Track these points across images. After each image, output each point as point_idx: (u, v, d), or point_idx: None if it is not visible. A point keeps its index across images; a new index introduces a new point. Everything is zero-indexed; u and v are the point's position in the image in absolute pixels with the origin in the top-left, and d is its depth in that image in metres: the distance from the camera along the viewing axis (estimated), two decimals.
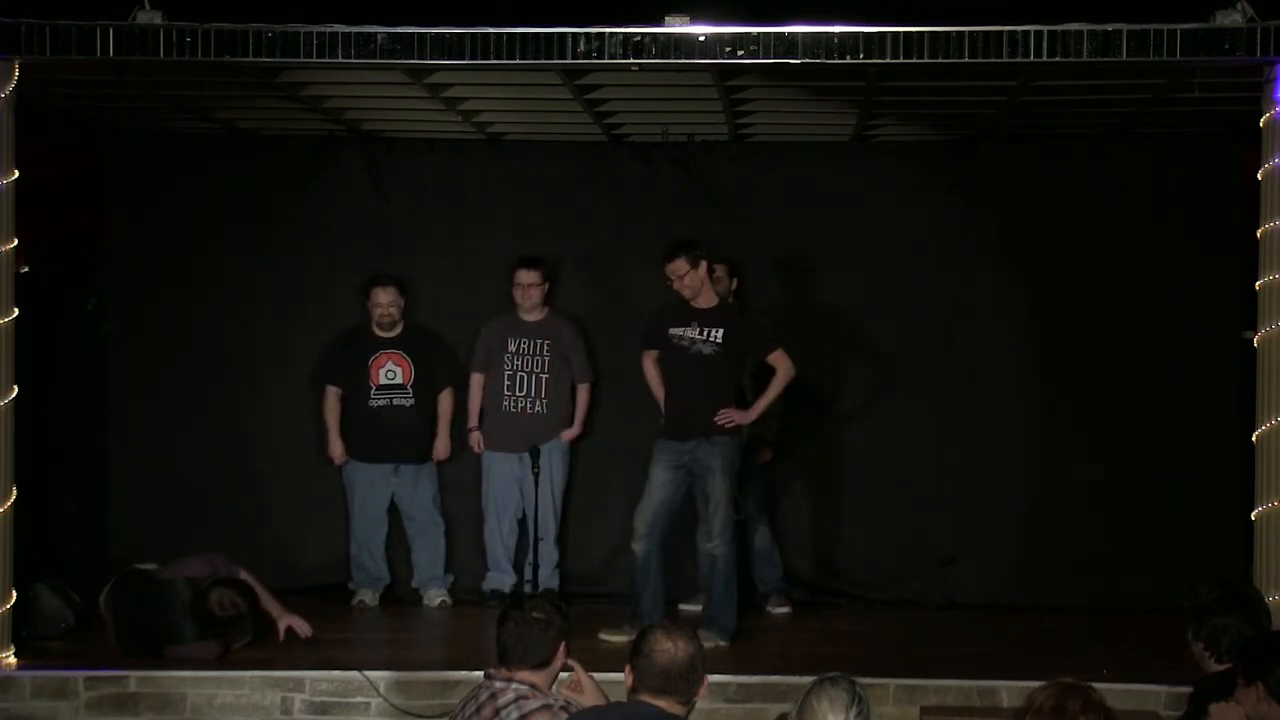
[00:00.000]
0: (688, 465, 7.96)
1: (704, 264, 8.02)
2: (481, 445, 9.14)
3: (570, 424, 9.09)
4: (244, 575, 7.85)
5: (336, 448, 9.14)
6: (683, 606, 8.77)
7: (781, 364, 8.07)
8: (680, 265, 7.94)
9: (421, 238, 9.56)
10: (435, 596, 9.16)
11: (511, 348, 9.08)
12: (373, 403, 9.11)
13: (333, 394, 9.18)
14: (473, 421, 9.17)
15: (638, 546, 7.92)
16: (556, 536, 9.01)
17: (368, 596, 9.15)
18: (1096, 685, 4.07)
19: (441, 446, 9.21)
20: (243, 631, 7.71)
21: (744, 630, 8.40)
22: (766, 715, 6.94)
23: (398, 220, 9.56)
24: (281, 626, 7.88)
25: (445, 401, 9.22)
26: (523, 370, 9.07)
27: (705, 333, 8.00)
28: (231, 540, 8.61)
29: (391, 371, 9.11)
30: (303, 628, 7.89)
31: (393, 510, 9.27)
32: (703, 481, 7.94)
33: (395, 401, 9.12)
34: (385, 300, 9.10)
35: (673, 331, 8.04)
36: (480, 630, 8.03)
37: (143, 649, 7.55)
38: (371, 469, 9.16)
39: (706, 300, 8.04)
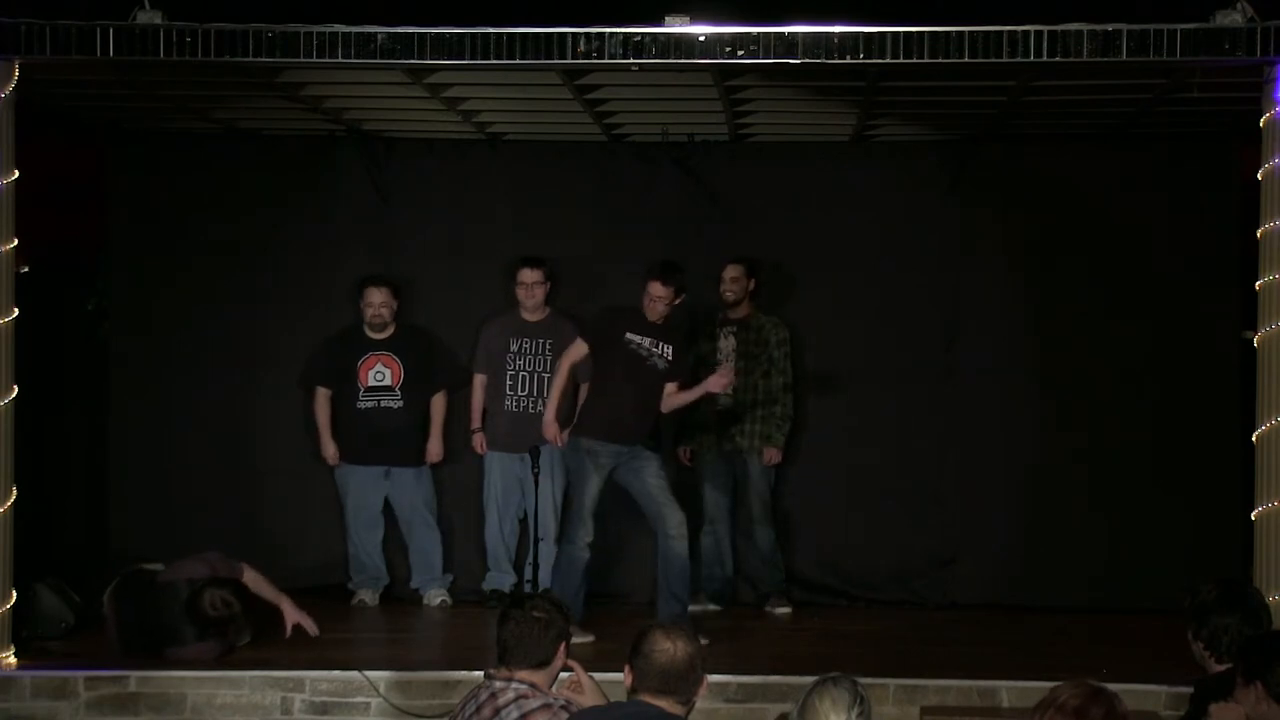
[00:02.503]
0: (618, 467, 8.10)
1: (683, 296, 8.21)
2: (484, 447, 9.14)
3: (571, 424, 9.07)
4: (246, 571, 7.86)
5: (329, 449, 9.12)
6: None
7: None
8: (670, 292, 8.08)
9: (421, 238, 9.56)
10: (435, 596, 9.18)
11: (514, 348, 9.08)
12: (360, 404, 9.07)
13: (322, 395, 9.13)
14: (475, 422, 9.17)
15: (585, 553, 8.08)
16: (556, 536, 9.00)
17: (367, 596, 9.17)
18: None
19: (434, 449, 9.17)
20: (239, 629, 7.71)
21: (744, 630, 8.42)
22: (766, 715, 6.95)
23: (398, 220, 9.56)
24: (289, 622, 7.87)
25: (438, 403, 9.17)
26: (525, 370, 9.07)
27: (660, 347, 8.15)
28: (231, 540, 8.59)
29: (380, 373, 9.06)
30: (311, 626, 7.88)
31: (389, 510, 9.26)
32: (642, 482, 8.10)
33: (383, 404, 9.06)
34: (377, 301, 9.05)
35: (630, 337, 8.13)
36: (480, 630, 8.04)
37: (144, 649, 7.56)
38: (363, 471, 9.16)
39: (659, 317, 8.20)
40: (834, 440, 9.45)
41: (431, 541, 9.23)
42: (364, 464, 9.14)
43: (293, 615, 7.90)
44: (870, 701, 4.19)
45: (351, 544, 9.23)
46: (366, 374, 9.05)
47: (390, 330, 9.12)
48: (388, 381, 9.06)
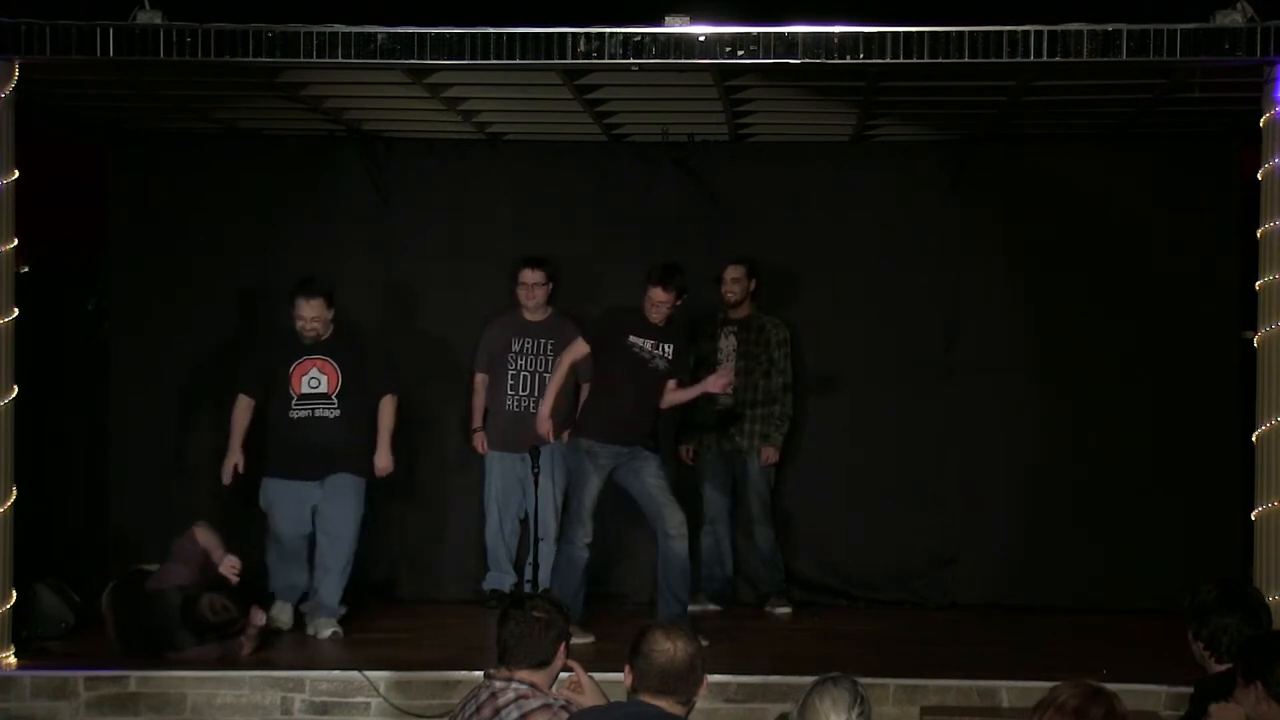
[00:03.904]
0: (618, 467, 8.10)
1: (684, 297, 8.18)
2: (485, 446, 9.13)
3: (570, 424, 9.07)
4: (198, 531, 7.88)
5: (230, 462, 8.30)
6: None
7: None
8: (672, 296, 8.06)
9: (421, 238, 9.57)
10: (325, 627, 8.24)
11: (515, 347, 9.06)
12: (294, 413, 8.28)
13: (243, 404, 8.35)
14: (476, 422, 9.15)
15: (584, 553, 8.09)
16: (556, 536, 9.00)
17: (284, 616, 8.35)
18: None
19: (382, 460, 8.36)
20: (238, 631, 7.71)
21: (744, 630, 8.41)
22: (766, 715, 6.95)
23: (398, 220, 9.57)
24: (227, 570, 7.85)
25: (386, 410, 8.38)
26: (526, 370, 9.05)
27: (661, 348, 8.14)
28: (230, 540, 8.57)
29: (315, 379, 8.27)
30: (235, 565, 7.87)
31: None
32: (641, 482, 8.10)
33: (318, 413, 8.26)
34: (309, 314, 8.20)
35: (633, 340, 8.13)
36: (480, 630, 8.03)
37: (144, 649, 7.58)
38: (293, 486, 8.31)
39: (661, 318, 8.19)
40: (834, 440, 9.46)
41: (346, 563, 8.33)
42: (294, 479, 8.29)
43: (233, 566, 7.86)
44: (870, 701, 4.19)
45: (272, 568, 8.43)
46: (300, 379, 8.27)
47: (329, 333, 8.32)
48: (323, 388, 8.27)
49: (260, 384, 8.38)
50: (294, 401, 8.29)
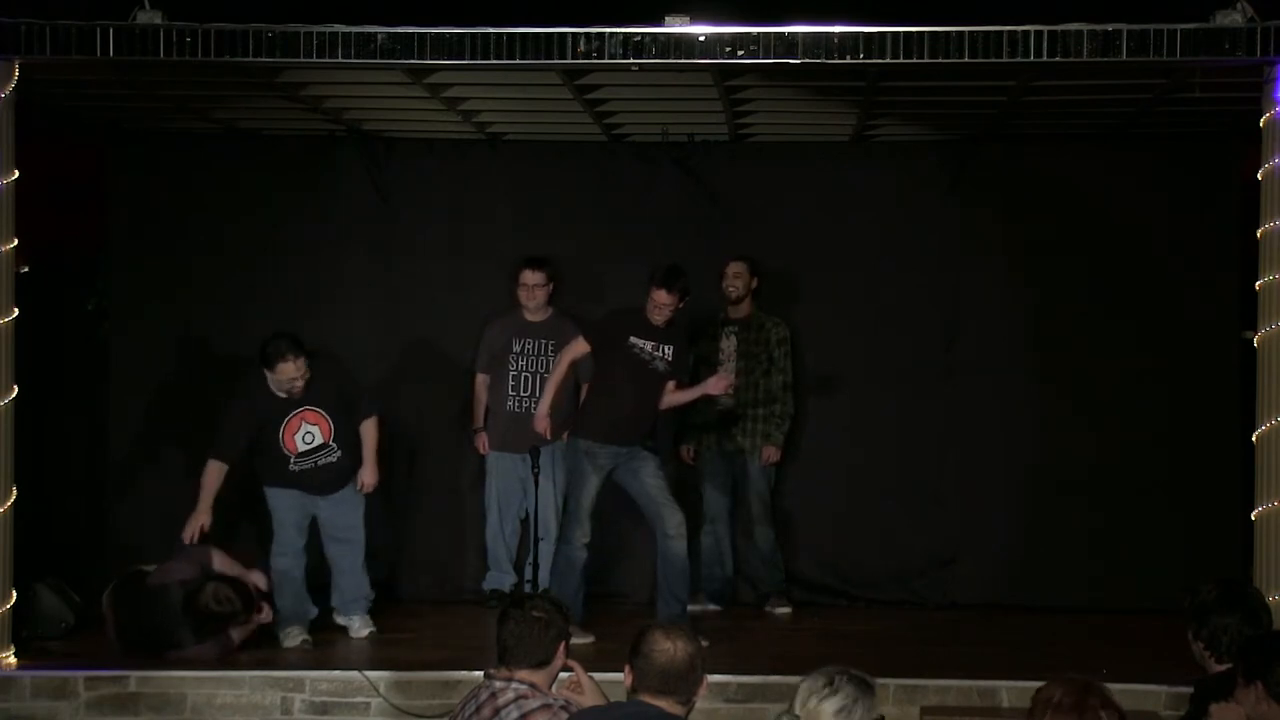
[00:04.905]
0: (617, 467, 8.11)
1: (687, 299, 8.17)
2: (486, 447, 9.13)
3: (572, 424, 9.07)
4: (215, 555, 7.88)
5: (196, 523, 7.88)
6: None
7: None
8: (675, 299, 8.04)
9: (421, 238, 9.57)
10: (363, 627, 8.34)
11: (516, 348, 9.05)
12: (294, 467, 8.08)
13: (215, 468, 7.98)
14: (477, 422, 9.15)
15: (582, 553, 8.10)
16: (556, 536, 9.00)
17: (296, 636, 8.11)
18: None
19: (368, 477, 8.22)
20: (239, 625, 7.71)
21: (744, 630, 8.40)
22: (766, 715, 6.94)
23: (398, 220, 9.57)
24: (254, 584, 7.89)
25: (369, 432, 8.22)
26: (528, 370, 9.05)
27: (661, 350, 8.14)
28: (230, 541, 8.58)
29: (309, 434, 8.05)
30: (263, 582, 7.93)
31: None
32: (640, 483, 8.10)
33: (321, 462, 8.11)
34: (295, 374, 7.88)
35: (634, 340, 8.13)
36: (480, 630, 8.04)
37: (144, 649, 7.57)
38: (295, 493, 8.22)
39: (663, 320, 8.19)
40: (834, 440, 9.46)
41: (358, 558, 8.36)
42: (295, 491, 8.22)
43: (260, 580, 7.93)
44: (851, 687, 4.09)
45: (277, 589, 8.16)
46: (293, 439, 8.05)
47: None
48: (319, 439, 8.08)
49: (237, 448, 8.07)
50: (292, 461, 8.07)
